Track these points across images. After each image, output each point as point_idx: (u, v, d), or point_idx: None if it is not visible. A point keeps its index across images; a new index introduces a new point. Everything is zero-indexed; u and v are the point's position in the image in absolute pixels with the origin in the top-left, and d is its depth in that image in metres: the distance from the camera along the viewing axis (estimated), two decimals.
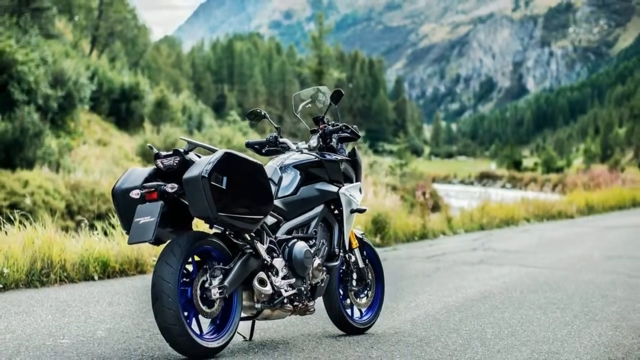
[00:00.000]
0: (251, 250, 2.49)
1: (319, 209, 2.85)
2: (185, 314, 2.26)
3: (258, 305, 2.50)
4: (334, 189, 2.90)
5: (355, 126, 3.05)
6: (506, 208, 10.66)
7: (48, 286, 3.86)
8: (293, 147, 2.99)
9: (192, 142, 2.43)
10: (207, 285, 2.33)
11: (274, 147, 3.02)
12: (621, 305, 3.86)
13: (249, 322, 2.69)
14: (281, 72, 62.15)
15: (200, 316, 2.36)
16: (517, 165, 54.13)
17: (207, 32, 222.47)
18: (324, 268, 2.76)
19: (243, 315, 2.52)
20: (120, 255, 4.41)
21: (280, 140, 3.02)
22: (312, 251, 2.70)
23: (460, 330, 3.06)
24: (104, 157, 21.43)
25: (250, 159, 2.45)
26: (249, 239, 2.50)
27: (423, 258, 6.05)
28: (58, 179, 15.32)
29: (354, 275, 3.04)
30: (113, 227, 4.66)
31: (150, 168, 2.45)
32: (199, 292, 2.31)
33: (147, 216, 2.25)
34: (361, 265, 3.05)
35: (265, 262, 2.52)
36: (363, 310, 3.07)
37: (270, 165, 2.82)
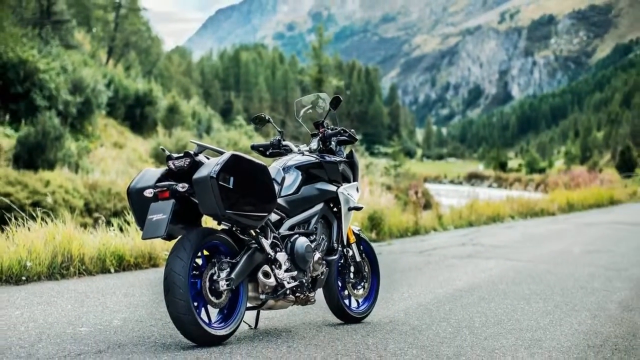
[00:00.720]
0: (256, 245, 2.48)
1: (319, 206, 2.84)
2: (195, 304, 2.26)
3: (262, 296, 2.50)
4: (333, 188, 2.90)
5: (352, 130, 3.05)
6: (493, 206, 10.64)
7: (68, 278, 3.86)
8: (295, 149, 2.99)
9: (201, 144, 2.43)
10: (215, 277, 2.33)
11: (277, 150, 3.02)
12: (599, 296, 3.85)
13: (254, 312, 2.69)
14: (284, 80, 62.02)
15: (209, 306, 2.36)
16: (502, 166, 54.07)
17: (215, 43, 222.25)
18: (324, 262, 2.76)
19: (248, 305, 2.52)
20: (135, 250, 4.41)
21: (283, 143, 3.01)
22: (312, 246, 2.70)
23: (450, 319, 3.06)
24: (120, 159, 21.39)
25: (255, 160, 2.45)
26: (254, 234, 2.50)
27: (415, 252, 6.04)
28: (77, 179, 15.29)
29: (352, 269, 3.03)
30: (128, 223, 4.65)
31: (162, 169, 2.45)
32: (207, 284, 2.31)
33: (160, 213, 2.25)
34: (358, 259, 3.05)
35: (269, 256, 2.51)
36: (360, 300, 3.07)
37: (274, 166, 2.82)
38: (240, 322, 2.44)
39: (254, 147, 3.09)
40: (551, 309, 3.39)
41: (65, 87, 20.36)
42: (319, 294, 2.88)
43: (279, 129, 3.02)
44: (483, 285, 4.17)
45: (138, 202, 2.37)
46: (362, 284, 3.07)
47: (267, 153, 3.05)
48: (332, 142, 3.01)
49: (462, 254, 5.93)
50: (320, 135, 2.99)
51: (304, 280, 2.64)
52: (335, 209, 2.92)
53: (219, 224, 2.48)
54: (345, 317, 2.93)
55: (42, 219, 4.14)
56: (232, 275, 2.34)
